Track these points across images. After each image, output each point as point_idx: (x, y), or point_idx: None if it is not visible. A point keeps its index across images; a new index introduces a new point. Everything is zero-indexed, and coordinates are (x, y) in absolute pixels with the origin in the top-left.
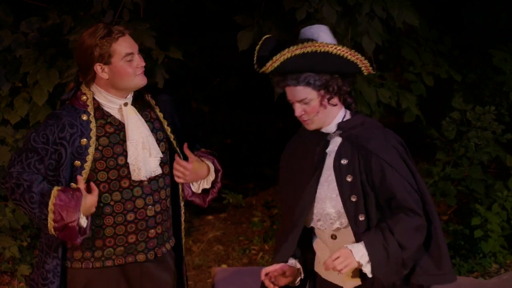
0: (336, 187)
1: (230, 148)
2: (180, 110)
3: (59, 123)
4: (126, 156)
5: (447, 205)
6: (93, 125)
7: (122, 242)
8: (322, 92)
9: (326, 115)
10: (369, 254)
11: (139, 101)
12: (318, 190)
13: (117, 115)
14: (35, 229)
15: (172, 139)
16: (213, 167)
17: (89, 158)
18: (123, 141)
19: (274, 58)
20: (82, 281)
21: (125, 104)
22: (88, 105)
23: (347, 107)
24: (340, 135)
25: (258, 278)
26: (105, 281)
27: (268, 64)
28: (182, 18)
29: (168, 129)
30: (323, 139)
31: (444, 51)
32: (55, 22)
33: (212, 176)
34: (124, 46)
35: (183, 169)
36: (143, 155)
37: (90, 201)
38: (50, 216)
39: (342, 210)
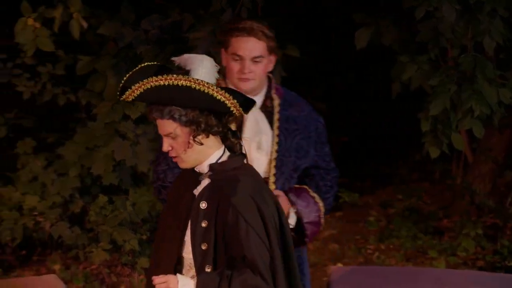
0: (191, 233)
1: (347, 146)
2: (304, 132)
3: None
4: None
5: None
6: None
7: None
8: (189, 129)
9: (197, 154)
10: None
11: (269, 106)
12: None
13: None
14: (154, 223)
15: (273, 158)
16: (294, 216)
17: None
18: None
19: (133, 87)
20: None
21: None
22: None
23: (230, 148)
24: (210, 177)
25: (374, 278)
26: None
27: (128, 92)
28: (299, 16)
29: (275, 146)
30: (196, 178)
31: None
32: (175, 20)
33: (291, 221)
34: (237, 46)
35: None
36: (256, 154)
37: None
38: None
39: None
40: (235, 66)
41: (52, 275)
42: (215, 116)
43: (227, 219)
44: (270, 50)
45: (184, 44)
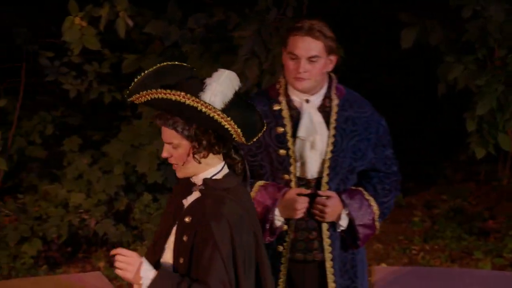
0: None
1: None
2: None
3: None
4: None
5: None
6: (285, 113)
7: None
8: (191, 143)
9: (195, 167)
10: (151, 283)
11: (327, 105)
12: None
13: (301, 110)
14: None
15: (327, 158)
16: (346, 218)
17: (291, 145)
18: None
19: (142, 93)
20: None
21: (307, 101)
22: (280, 94)
23: (230, 165)
24: (201, 191)
25: (419, 279)
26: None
27: (135, 96)
28: (344, 15)
29: (330, 146)
30: (189, 187)
31: None
32: (221, 19)
33: (343, 222)
34: (293, 45)
35: (321, 207)
36: (309, 154)
37: (291, 205)
38: None
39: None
40: (291, 65)
41: (97, 272)
42: (218, 136)
43: (199, 237)
44: (329, 50)
45: (229, 43)
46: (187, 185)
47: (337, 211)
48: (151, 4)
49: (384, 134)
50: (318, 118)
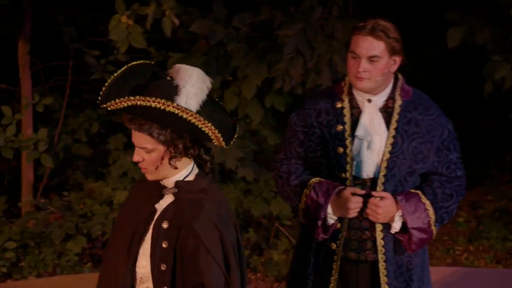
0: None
1: None
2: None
3: (316, 107)
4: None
5: None
6: (347, 112)
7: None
8: (165, 148)
9: (167, 170)
10: None
11: (390, 106)
12: (142, 246)
13: (362, 109)
14: (241, 220)
15: (385, 159)
16: (399, 220)
17: (348, 144)
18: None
19: (118, 100)
20: None
21: (369, 101)
22: (344, 92)
23: (199, 165)
24: (174, 194)
25: (463, 279)
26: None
27: (110, 103)
28: (390, 14)
29: (389, 147)
30: (159, 190)
31: None
32: (266, 18)
33: (396, 225)
34: (355, 44)
35: (374, 207)
36: (366, 153)
37: (344, 204)
38: (301, 206)
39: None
40: (352, 64)
41: None
42: (194, 139)
43: (187, 245)
44: (391, 51)
45: (274, 41)
46: (155, 189)
47: (390, 212)
48: (197, 3)
49: (449, 138)
50: (379, 118)
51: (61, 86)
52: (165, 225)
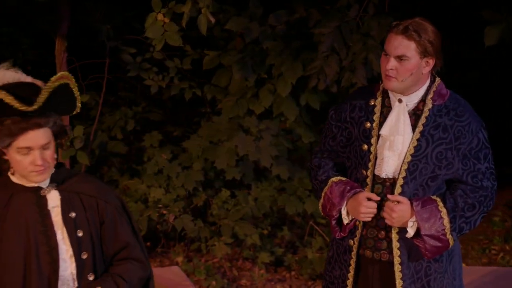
0: (70, 246)
1: None
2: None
3: (353, 103)
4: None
5: None
6: (377, 110)
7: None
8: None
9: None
10: None
11: (420, 109)
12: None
13: (392, 108)
14: (275, 218)
15: (406, 161)
16: (414, 226)
17: (373, 141)
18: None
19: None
20: None
21: (399, 101)
22: (379, 90)
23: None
24: (57, 188)
25: (499, 279)
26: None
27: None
28: (426, 12)
29: (411, 150)
30: (36, 195)
31: None
32: (301, 16)
33: (411, 230)
34: (387, 42)
35: (389, 211)
36: (387, 153)
37: (357, 207)
38: (321, 202)
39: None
40: (383, 62)
41: (175, 267)
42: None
43: (103, 217)
44: (423, 52)
45: (310, 39)
46: (25, 195)
47: (405, 217)
48: (233, 1)
49: (479, 147)
50: (406, 119)
51: (98, 84)
52: (73, 215)
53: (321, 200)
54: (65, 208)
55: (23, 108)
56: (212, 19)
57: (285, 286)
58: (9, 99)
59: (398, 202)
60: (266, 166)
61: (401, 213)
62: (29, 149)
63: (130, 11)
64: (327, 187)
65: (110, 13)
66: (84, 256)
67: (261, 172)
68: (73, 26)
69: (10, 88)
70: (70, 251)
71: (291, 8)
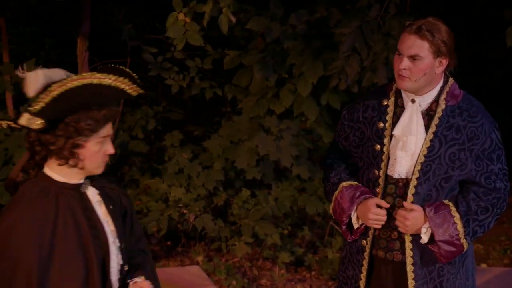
0: (117, 238)
1: None
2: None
3: (365, 103)
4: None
5: None
6: (390, 110)
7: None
8: None
9: None
10: None
11: (433, 109)
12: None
13: (405, 109)
14: (296, 217)
15: (419, 161)
16: (427, 232)
17: (386, 141)
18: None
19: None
20: None
21: (412, 101)
22: (392, 90)
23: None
24: (92, 185)
25: None
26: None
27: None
28: (448, 12)
29: (424, 151)
30: (77, 192)
31: None
32: (322, 15)
33: (424, 236)
34: (400, 41)
35: (402, 219)
36: (399, 153)
37: (366, 213)
38: (331, 206)
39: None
40: (396, 61)
41: (196, 267)
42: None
43: (127, 210)
44: (437, 52)
45: (331, 39)
46: (67, 193)
47: (418, 224)
48: (254, 1)
49: (492, 147)
50: (419, 120)
51: None
52: (111, 207)
53: (332, 205)
54: (106, 202)
55: (139, 91)
56: (233, 19)
57: (306, 286)
58: (124, 84)
59: (411, 210)
60: (287, 166)
61: (415, 220)
62: (106, 138)
63: (151, 11)
64: (337, 191)
65: (131, 13)
66: (122, 247)
67: (281, 172)
68: (94, 26)
69: (111, 72)
70: (117, 243)
71: (312, 8)
